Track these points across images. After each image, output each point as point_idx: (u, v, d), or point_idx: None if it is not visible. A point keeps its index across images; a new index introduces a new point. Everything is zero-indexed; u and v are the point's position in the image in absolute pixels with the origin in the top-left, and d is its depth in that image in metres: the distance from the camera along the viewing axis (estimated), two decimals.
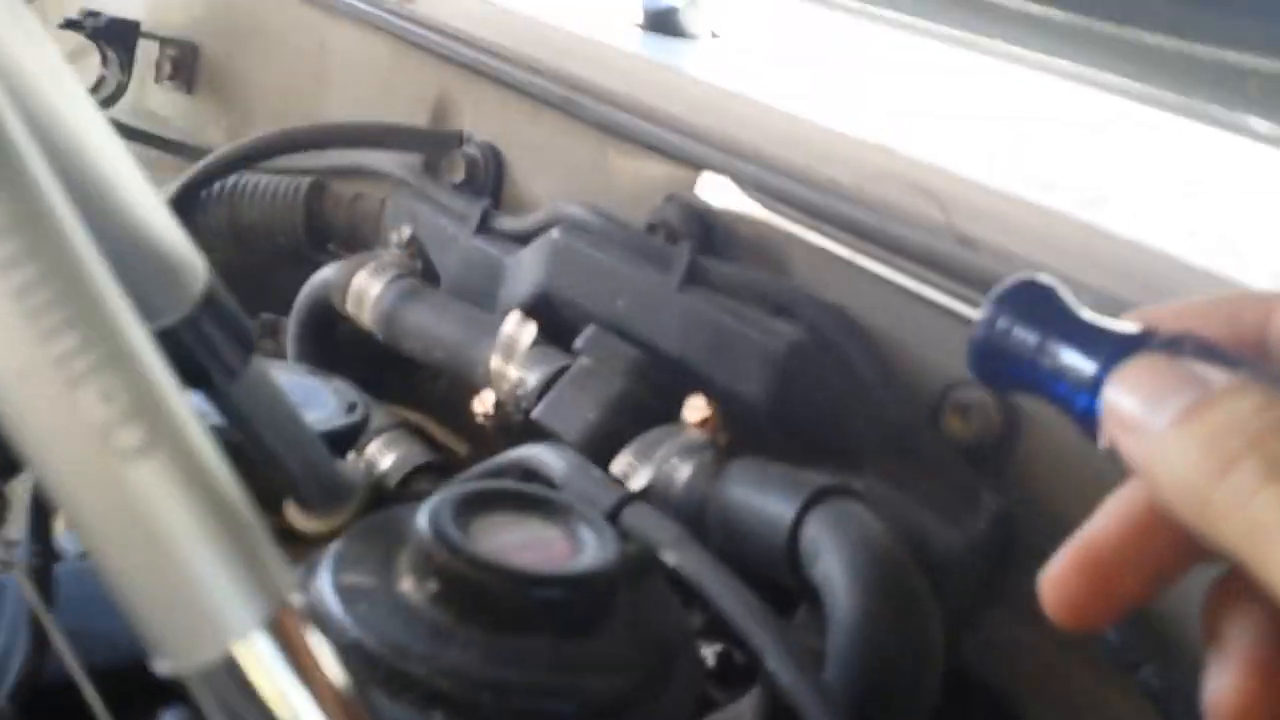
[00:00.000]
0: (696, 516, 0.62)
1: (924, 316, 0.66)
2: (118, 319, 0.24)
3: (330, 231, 0.94)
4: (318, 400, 0.55)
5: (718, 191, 0.74)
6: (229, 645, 0.24)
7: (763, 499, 0.59)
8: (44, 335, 0.22)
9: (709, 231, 0.73)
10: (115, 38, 1.04)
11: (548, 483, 0.53)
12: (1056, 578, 0.28)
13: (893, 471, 0.63)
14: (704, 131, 0.76)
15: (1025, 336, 0.30)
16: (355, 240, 0.93)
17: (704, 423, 0.63)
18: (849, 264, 0.68)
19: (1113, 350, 0.29)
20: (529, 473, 0.53)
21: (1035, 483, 0.62)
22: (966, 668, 0.62)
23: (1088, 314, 0.30)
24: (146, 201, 0.36)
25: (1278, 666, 0.26)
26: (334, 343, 0.87)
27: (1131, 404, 0.27)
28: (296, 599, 0.26)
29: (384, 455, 0.78)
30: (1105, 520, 0.29)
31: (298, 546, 0.50)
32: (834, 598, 0.52)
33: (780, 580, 0.59)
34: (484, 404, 0.70)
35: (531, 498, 0.48)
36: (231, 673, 0.24)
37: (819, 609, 0.55)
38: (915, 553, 0.57)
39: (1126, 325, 0.29)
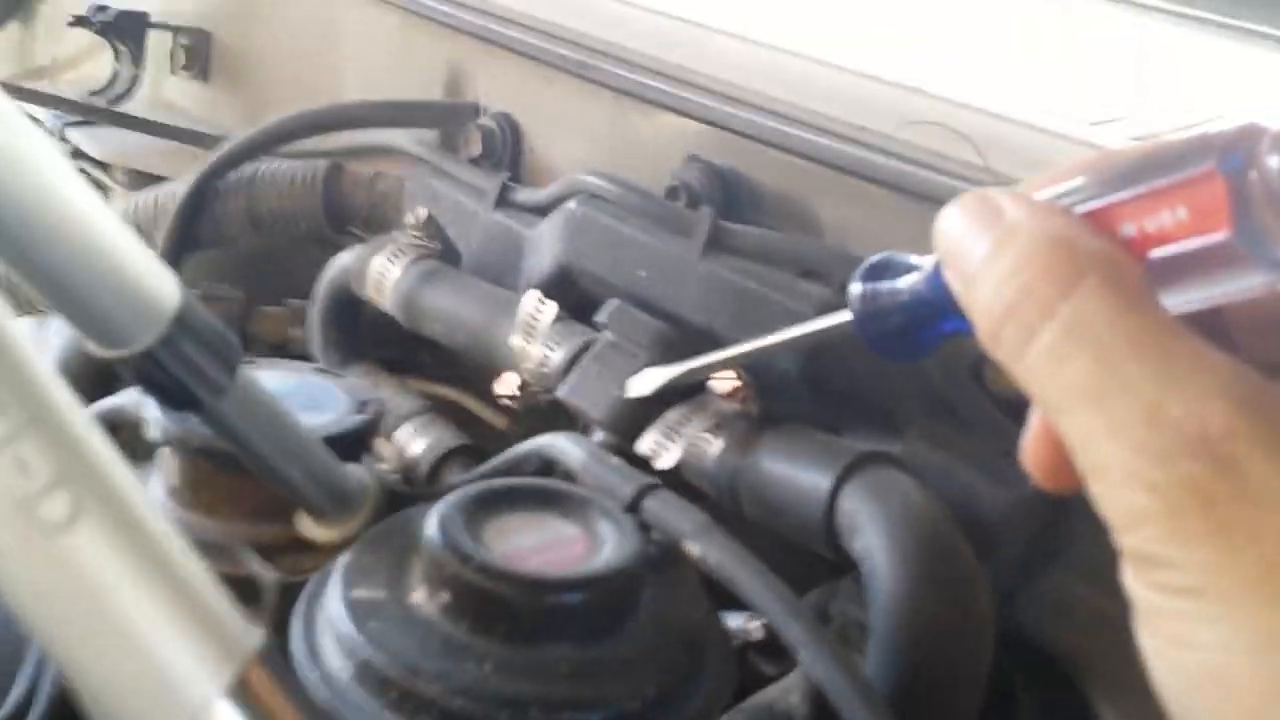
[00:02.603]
0: (730, 491, 0.59)
1: None
2: (30, 383, 0.22)
3: (351, 214, 0.92)
4: (325, 400, 0.53)
5: (740, 150, 0.71)
6: None
7: (798, 470, 0.56)
8: None
9: (732, 192, 0.70)
10: (124, 31, 1.03)
11: (566, 473, 0.51)
12: (1027, 447, 0.32)
13: (935, 432, 0.60)
14: (724, 85, 0.72)
15: (890, 289, 0.36)
16: (376, 221, 0.91)
17: (734, 393, 0.60)
18: (881, 218, 0.65)
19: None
20: (547, 462, 0.51)
21: None
22: (1023, 628, 0.59)
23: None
24: (105, 225, 0.34)
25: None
26: (359, 327, 0.85)
27: (946, 248, 0.31)
28: (260, 650, 0.24)
29: (415, 441, 0.77)
30: None
31: (313, 555, 0.48)
32: (876, 576, 0.50)
33: (820, 553, 0.56)
34: (507, 386, 0.68)
35: (546, 493, 0.46)
36: None
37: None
38: (964, 514, 0.55)
39: None
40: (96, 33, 1.02)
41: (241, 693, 0.23)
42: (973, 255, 0.30)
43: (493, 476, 0.54)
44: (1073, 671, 0.58)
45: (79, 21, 1.02)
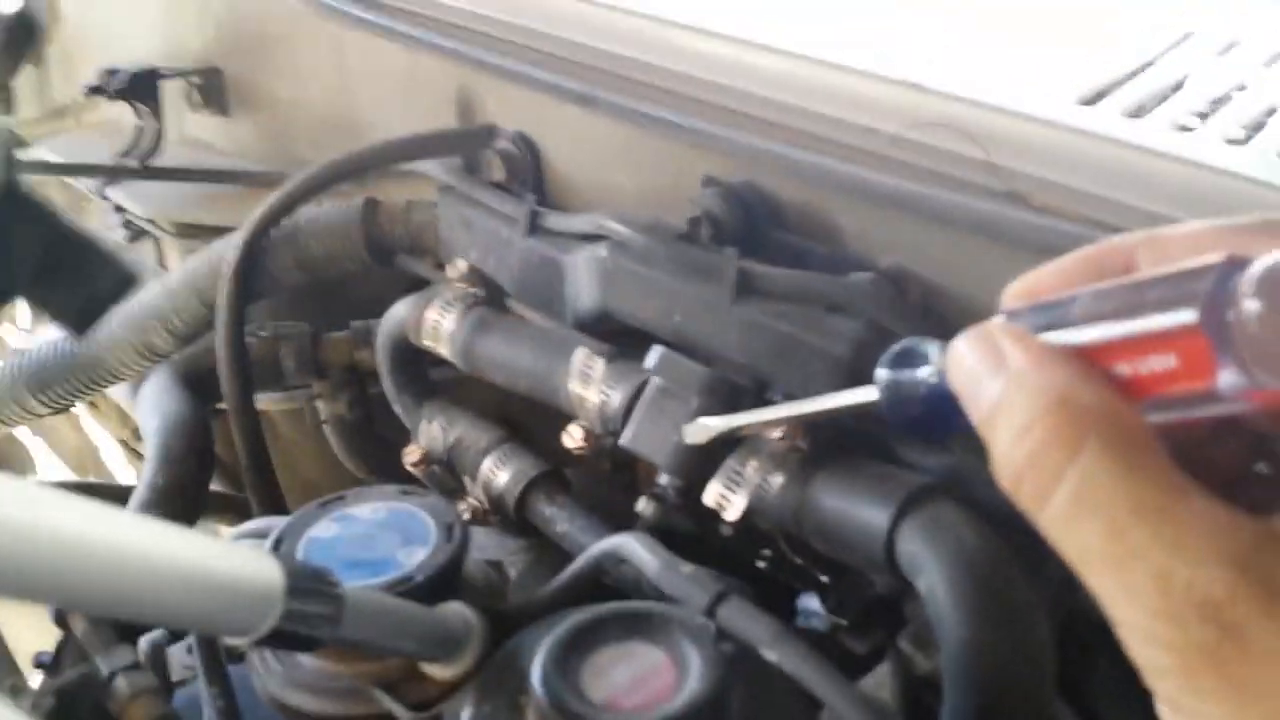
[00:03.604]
0: (796, 527, 0.64)
1: (986, 263, 0.65)
2: None
3: (393, 247, 0.95)
4: (415, 531, 0.58)
5: (756, 164, 0.72)
6: None
7: (856, 506, 0.61)
8: None
9: (754, 212, 0.72)
10: (139, 90, 1.05)
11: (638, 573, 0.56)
12: None
13: (979, 439, 0.63)
14: (731, 95, 0.74)
15: (910, 380, 0.38)
16: (419, 249, 0.95)
17: (784, 436, 0.64)
18: (898, 228, 0.67)
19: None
20: (620, 562, 0.56)
21: None
22: (1090, 606, 0.64)
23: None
24: (200, 550, 0.38)
25: None
26: (424, 369, 0.90)
27: (959, 383, 0.34)
28: None
29: (498, 474, 0.82)
30: None
31: (436, 683, 0.54)
32: (940, 619, 0.54)
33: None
34: (574, 438, 0.72)
35: (628, 618, 0.51)
36: None
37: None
38: (1017, 522, 0.58)
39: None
40: (111, 99, 1.04)
41: None
42: (983, 398, 0.33)
43: (573, 581, 0.59)
44: None
45: (95, 91, 1.04)
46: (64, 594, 0.35)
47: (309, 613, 0.43)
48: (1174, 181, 0.58)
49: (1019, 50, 0.73)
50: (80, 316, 0.33)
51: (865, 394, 0.44)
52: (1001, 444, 0.32)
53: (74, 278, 0.31)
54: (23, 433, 1.52)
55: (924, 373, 0.38)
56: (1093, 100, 0.65)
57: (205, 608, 0.39)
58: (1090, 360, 0.32)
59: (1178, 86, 0.67)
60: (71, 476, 1.49)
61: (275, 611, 0.41)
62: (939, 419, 0.38)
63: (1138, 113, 0.64)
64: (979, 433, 0.33)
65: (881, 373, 0.40)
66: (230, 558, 0.40)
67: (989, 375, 0.33)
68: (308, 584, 0.43)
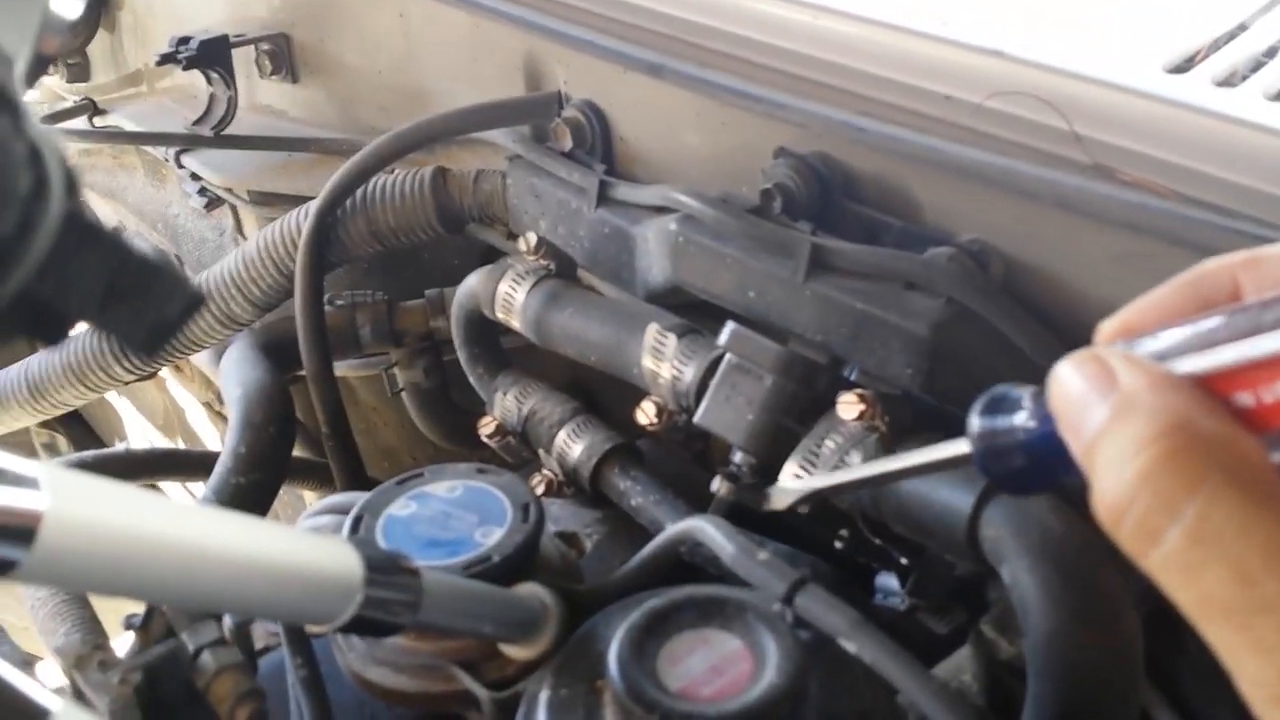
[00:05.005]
0: (875, 510, 0.63)
1: (1071, 238, 0.63)
2: None
3: (462, 216, 0.95)
4: (491, 510, 0.59)
5: (829, 135, 0.71)
6: None
7: (936, 489, 0.60)
8: None
9: (827, 183, 0.70)
10: (210, 58, 1.05)
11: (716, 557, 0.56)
12: None
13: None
14: (804, 63, 0.72)
15: (1007, 428, 0.34)
16: (489, 217, 0.95)
17: (861, 416, 0.63)
18: (976, 200, 0.66)
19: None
20: (696, 546, 0.56)
21: None
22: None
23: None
24: (280, 544, 0.39)
25: None
26: (497, 340, 0.90)
27: (1061, 409, 0.31)
28: None
29: (572, 447, 0.82)
30: None
31: (514, 661, 0.55)
32: (1025, 608, 0.54)
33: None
34: (647, 415, 0.72)
35: (704, 604, 0.51)
36: None
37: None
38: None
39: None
40: (184, 68, 1.05)
41: None
42: (1089, 421, 0.30)
43: (648, 563, 0.59)
44: None
45: (166, 59, 1.05)
46: (150, 591, 0.36)
47: (388, 600, 0.43)
48: (1269, 154, 0.56)
49: (1103, 14, 0.70)
50: (149, 339, 0.33)
51: (956, 447, 0.40)
52: (1106, 471, 0.29)
53: (140, 301, 0.32)
54: (112, 396, 1.56)
55: (1020, 419, 0.34)
56: (1181, 68, 0.63)
57: (287, 600, 0.40)
58: (1209, 386, 0.29)
59: (1272, 52, 0.64)
60: (159, 437, 1.53)
61: (356, 600, 0.42)
62: (1042, 469, 0.34)
63: (1229, 80, 0.61)
64: (1082, 465, 0.30)
65: (974, 422, 0.36)
66: (310, 549, 0.41)
67: (1098, 399, 0.30)
68: (386, 572, 0.43)
